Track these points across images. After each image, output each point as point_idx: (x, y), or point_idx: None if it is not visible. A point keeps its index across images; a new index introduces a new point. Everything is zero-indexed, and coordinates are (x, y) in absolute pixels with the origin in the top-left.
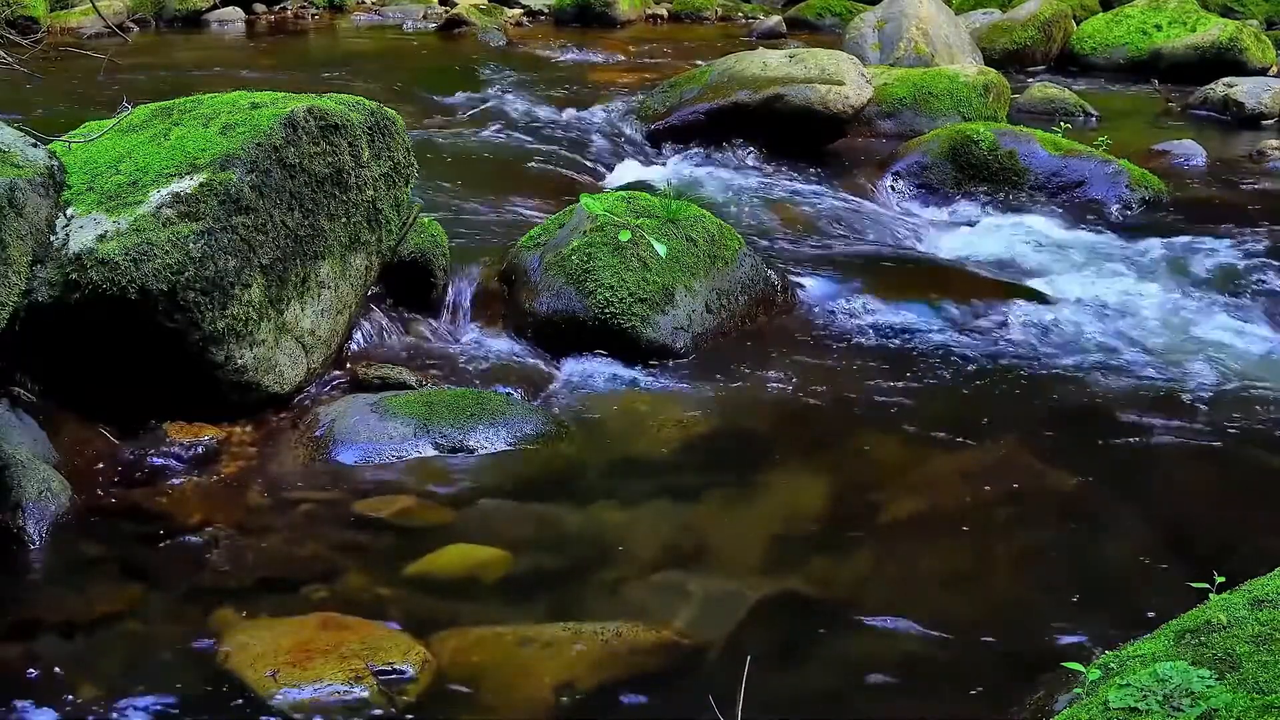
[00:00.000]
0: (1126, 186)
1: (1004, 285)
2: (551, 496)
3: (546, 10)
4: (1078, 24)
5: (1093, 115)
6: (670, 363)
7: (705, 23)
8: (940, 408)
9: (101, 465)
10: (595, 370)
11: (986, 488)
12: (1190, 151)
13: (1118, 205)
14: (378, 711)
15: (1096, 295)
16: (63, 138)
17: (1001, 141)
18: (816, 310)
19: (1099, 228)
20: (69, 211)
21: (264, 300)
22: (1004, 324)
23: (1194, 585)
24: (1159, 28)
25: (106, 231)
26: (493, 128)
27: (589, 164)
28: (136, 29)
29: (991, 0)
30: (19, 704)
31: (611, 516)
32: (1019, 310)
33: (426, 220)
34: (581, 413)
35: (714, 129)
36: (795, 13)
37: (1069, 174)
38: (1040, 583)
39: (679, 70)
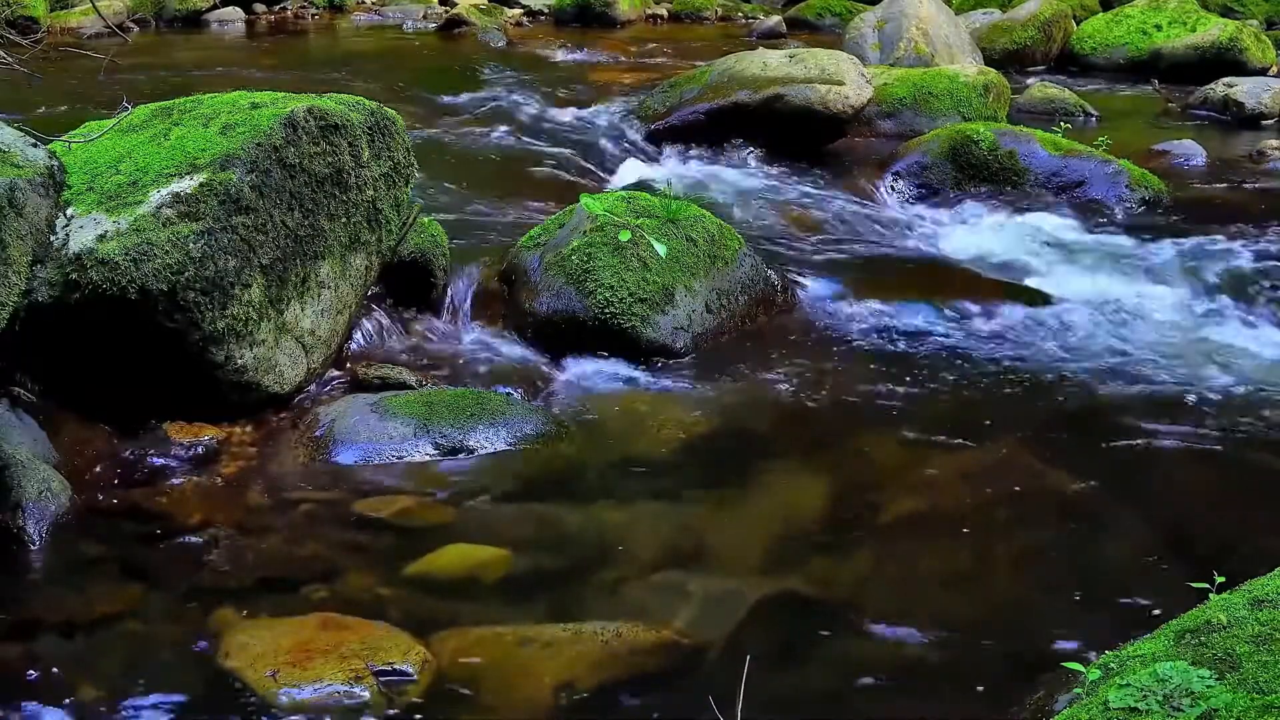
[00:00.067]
0: (1126, 186)
1: (1004, 285)
2: (551, 496)
3: (546, 10)
4: (1078, 24)
5: (1093, 115)
6: (670, 363)
7: (705, 23)
8: (940, 407)
9: (101, 465)
10: (595, 370)
11: (986, 488)
12: (1190, 151)
13: (1118, 205)
14: (378, 712)
15: (1097, 295)
16: (63, 138)
17: (1001, 141)
18: (816, 310)
19: (1099, 228)
20: (69, 211)
21: (264, 300)
22: (1004, 324)
23: (1194, 585)
24: (1159, 28)
25: (106, 231)
26: (493, 128)
27: (589, 164)
28: (136, 29)
29: (991, 0)
30: (19, 704)
31: (611, 516)
32: (1019, 310)
33: (426, 220)
34: (581, 413)
35: (714, 129)
36: (795, 13)
37: (1069, 174)
38: (1040, 583)
39: (679, 70)
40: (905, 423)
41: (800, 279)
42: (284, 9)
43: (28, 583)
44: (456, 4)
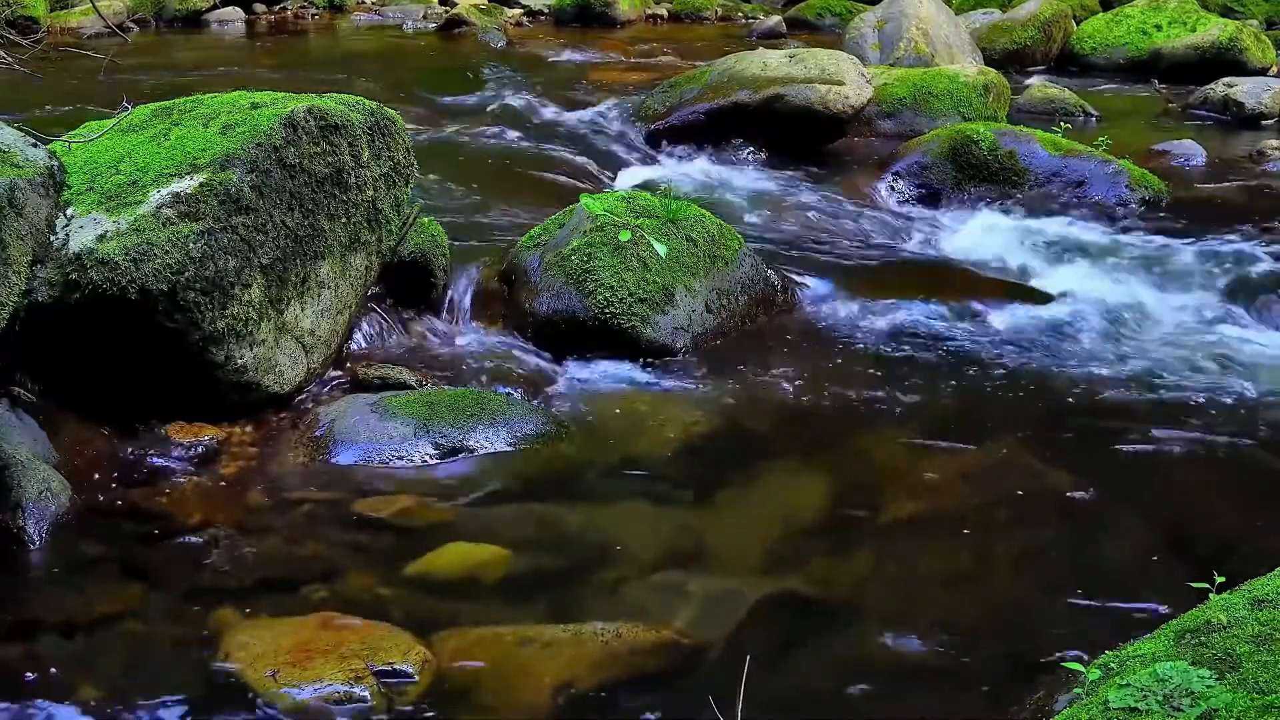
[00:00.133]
0: (1126, 186)
1: (1004, 285)
2: (552, 496)
3: (546, 10)
4: (1078, 24)
5: (1093, 115)
6: (670, 363)
7: (705, 23)
8: (940, 408)
9: (101, 465)
10: (595, 370)
11: (986, 488)
12: (1190, 151)
13: (1118, 205)
14: (378, 712)
15: (1097, 295)
16: (63, 138)
17: (1001, 141)
18: (816, 310)
19: (1099, 228)
20: (69, 211)
21: (264, 300)
22: (1004, 324)
23: (1194, 585)
24: (1159, 28)
25: (106, 231)
26: (493, 128)
27: (589, 164)
28: (136, 29)
29: (991, 0)
30: (19, 704)
31: (612, 516)
32: (1019, 310)
33: (426, 220)
34: (581, 413)
35: (714, 129)
36: (795, 13)
37: (1069, 174)
38: (1040, 583)
39: (679, 70)
40: (905, 423)
41: (800, 279)
42: (284, 9)
43: (28, 583)
44: (456, 4)
